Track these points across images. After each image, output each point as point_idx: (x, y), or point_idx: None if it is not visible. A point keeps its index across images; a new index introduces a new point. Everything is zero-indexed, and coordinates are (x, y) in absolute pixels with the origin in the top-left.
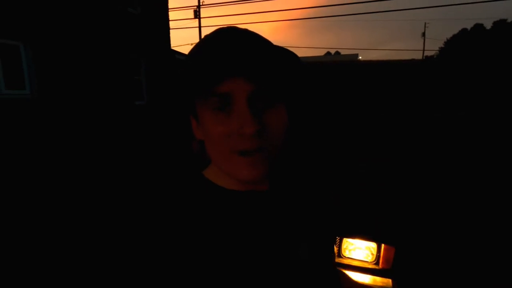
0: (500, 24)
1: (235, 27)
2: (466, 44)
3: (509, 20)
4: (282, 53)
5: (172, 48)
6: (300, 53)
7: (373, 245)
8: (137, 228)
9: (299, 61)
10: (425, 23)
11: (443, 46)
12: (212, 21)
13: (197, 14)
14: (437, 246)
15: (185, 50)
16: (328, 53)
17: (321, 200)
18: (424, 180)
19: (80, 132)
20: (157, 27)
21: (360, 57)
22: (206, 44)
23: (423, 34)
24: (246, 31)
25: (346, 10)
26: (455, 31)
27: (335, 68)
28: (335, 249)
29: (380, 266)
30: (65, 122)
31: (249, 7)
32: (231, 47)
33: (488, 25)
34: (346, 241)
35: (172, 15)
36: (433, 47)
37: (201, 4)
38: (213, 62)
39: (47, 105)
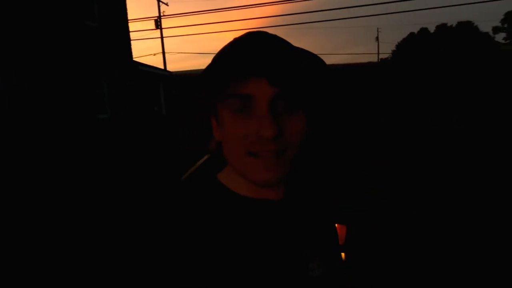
0: (442, 28)
1: (264, 31)
2: (414, 46)
3: (449, 24)
4: (309, 58)
5: (135, 59)
6: None
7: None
8: (143, 236)
9: (325, 67)
10: (377, 29)
11: (395, 49)
12: (175, 31)
13: (158, 25)
14: (381, 225)
15: (148, 60)
16: None
17: (331, 211)
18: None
19: (38, 143)
20: (117, 39)
21: None
22: (232, 46)
23: (377, 39)
24: (275, 36)
25: (307, 17)
26: (405, 35)
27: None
28: None
29: None
30: (26, 135)
31: (211, 16)
32: (256, 49)
33: (431, 29)
34: None
35: (132, 26)
36: (386, 50)
37: (162, 14)
38: (236, 62)
39: (8, 118)
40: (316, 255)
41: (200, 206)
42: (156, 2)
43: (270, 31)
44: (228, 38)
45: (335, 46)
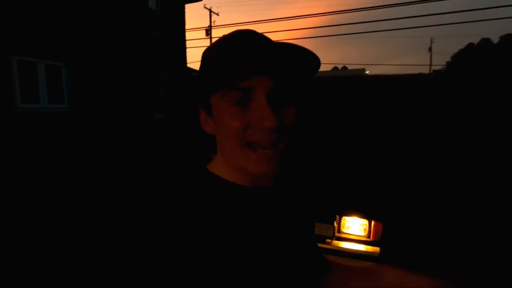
0: (508, 38)
1: (253, 30)
2: (473, 57)
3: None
4: (305, 54)
5: (188, 65)
6: None
7: (365, 222)
8: (145, 226)
9: (319, 64)
10: (431, 39)
11: (450, 60)
12: None
13: (208, 33)
14: (416, 223)
15: (198, 66)
16: (336, 68)
17: (310, 193)
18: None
19: (106, 140)
20: (175, 46)
21: (367, 72)
22: (230, 43)
23: (430, 49)
24: (263, 35)
25: (353, 28)
26: (461, 46)
27: (343, 82)
28: (336, 225)
29: (371, 238)
30: (94, 132)
31: (257, 27)
32: (257, 45)
33: (495, 39)
34: (344, 219)
35: (187, 35)
36: (439, 61)
37: (212, 25)
38: (241, 59)
39: (80, 117)
40: (303, 231)
41: (195, 195)
42: (208, 13)
43: (314, 39)
44: None
45: (383, 57)
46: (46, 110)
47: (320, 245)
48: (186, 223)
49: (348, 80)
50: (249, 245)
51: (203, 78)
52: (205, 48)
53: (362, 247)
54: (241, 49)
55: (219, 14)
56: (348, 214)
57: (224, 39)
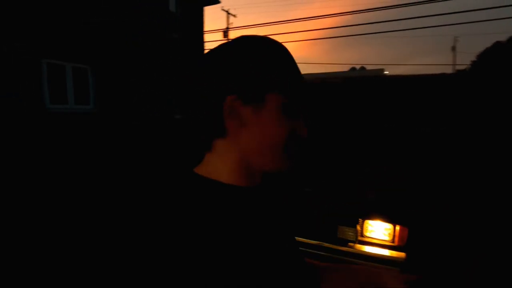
0: None
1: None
2: (501, 56)
3: None
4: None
5: None
6: (324, 69)
7: (389, 227)
8: (135, 232)
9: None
10: (454, 37)
11: (475, 59)
12: None
13: (226, 35)
14: (444, 229)
15: None
16: (353, 69)
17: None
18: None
19: (127, 140)
20: (194, 48)
21: (386, 72)
22: (282, 53)
23: (453, 48)
24: None
25: (371, 28)
26: (487, 44)
27: (360, 82)
28: (358, 229)
29: (396, 243)
30: (116, 132)
31: (273, 28)
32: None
33: None
34: (367, 223)
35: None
36: (464, 61)
37: (229, 27)
38: (297, 69)
39: (104, 118)
40: (290, 227)
41: (188, 200)
42: (226, 15)
43: (331, 39)
44: (289, 47)
45: (403, 57)
46: (73, 111)
47: (342, 248)
48: (179, 227)
49: (366, 81)
50: (251, 243)
51: (268, 73)
52: None
53: (386, 252)
54: (292, 62)
55: (236, 16)
56: (372, 217)
57: (280, 46)
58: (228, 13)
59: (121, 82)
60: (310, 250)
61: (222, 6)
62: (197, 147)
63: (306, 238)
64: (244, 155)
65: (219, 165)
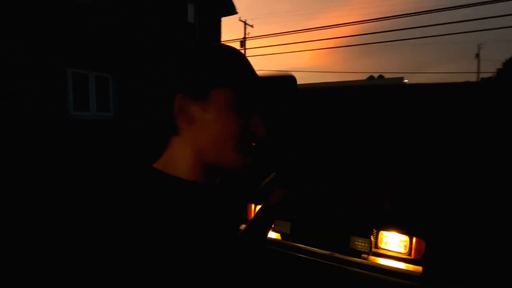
0: None
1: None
2: None
3: None
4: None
5: None
6: (341, 77)
7: (405, 239)
8: (88, 226)
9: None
10: (479, 45)
11: (501, 67)
12: (257, 51)
13: (243, 44)
14: (463, 242)
15: None
16: (371, 77)
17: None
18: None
19: (144, 146)
20: None
21: (406, 80)
22: (241, 58)
23: (477, 56)
24: None
25: (390, 36)
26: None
27: (378, 90)
28: (373, 240)
29: (413, 256)
30: (135, 139)
31: (290, 37)
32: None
33: None
34: (382, 234)
35: None
36: (488, 69)
37: (246, 37)
38: (257, 79)
39: (123, 125)
40: (240, 222)
41: (147, 192)
42: (243, 25)
43: (348, 48)
44: (305, 56)
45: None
46: (94, 118)
47: (355, 260)
48: (136, 222)
49: (384, 89)
50: (186, 238)
51: (212, 70)
52: None
53: (402, 265)
54: (251, 69)
55: (253, 26)
56: (387, 228)
57: (230, 48)
58: (245, 23)
59: (140, 90)
60: (320, 260)
61: (240, 17)
62: (156, 145)
63: (316, 248)
64: (197, 151)
65: (174, 161)
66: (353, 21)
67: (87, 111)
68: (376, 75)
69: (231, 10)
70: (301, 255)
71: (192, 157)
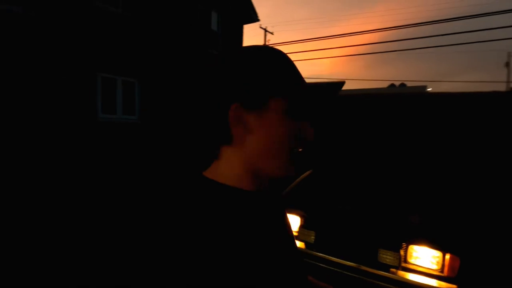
0: None
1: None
2: None
3: None
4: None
5: None
6: (361, 85)
7: (438, 254)
8: (146, 232)
9: None
10: (508, 53)
11: None
12: None
13: None
14: (502, 260)
15: None
16: (392, 85)
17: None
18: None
19: (169, 147)
20: None
21: (429, 89)
22: (288, 61)
23: (507, 64)
24: None
25: (413, 43)
26: None
27: (400, 100)
28: (402, 254)
29: (446, 273)
30: (160, 140)
31: (311, 44)
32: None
33: None
34: (412, 248)
35: None
36: None
37: (267, 44)
38: (308, 85)
39: (147, 128)
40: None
41: (199, 200)
42: (263, 32)
43: (369, 55)
44: (325, 63)
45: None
46: (120, 121)
47: (383, 274)
48: (183, 228)
49: (406, 98)
50: (258, 246)
51: (269, 79)
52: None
53: (433, 283)
54: (295, 69)
55: (273, 33)
56: (417, 242)
57: (280, 53)
58: (265, 30)
59: (164, 95)
60: (347, 273)
61: (261, 24)
62: (205, 155)
63: (343, 259)
64: (251, 160)
65: (227, 170)
66: (374, 28)
67: (114, 114)
68: (397, 84)
69: (253, 18)
70: (325, 266)
71: (244, 166)
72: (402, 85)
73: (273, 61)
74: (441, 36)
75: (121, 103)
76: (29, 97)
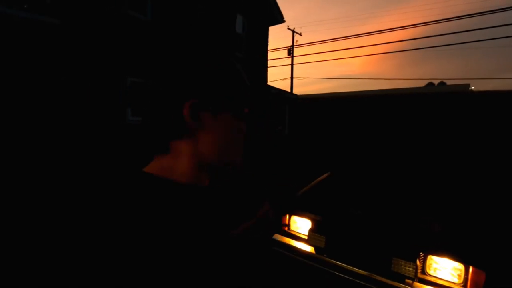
0: None
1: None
2: None
3: None
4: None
5: (268, 83)
6: (395, 85)
7: (460, 267)
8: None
9: None
10: None
11: None
12: (303, 59)
13: (290, 53)
14: None
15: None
16: (431, 84)
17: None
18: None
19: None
20: (258, 66)
21: (472, 87)
22: (237, 71)
23: None
24: None
25: (454, 38)
26: None
27: (439, 99)
28: (419, 264)
29: None
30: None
31: (338, 44)
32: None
33: None
34: (431, 259)
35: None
36: None
37: (294, 44)
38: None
39: None
40: (232, 224)
41: (138, 194)
42: (290, 33)
43: (405, 53)
44: (353, 63)
45: (494, 70)
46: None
47: (398, 285)
48: (119, 219)
49: (447, 97)
50: (189, 233)
51: (227, 87)
52: (284, 66)
53: None
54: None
55: (301, 34)
56: (437, 253)
57: (234, 66)
58: (293, 31)
59: None
60: (357, 281)
61: (288, 25)
62: (150, 149)
63: (353, 266)
64: (201, 155)
65: (173, 165)
66: (406, 24)
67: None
68: (436, 82)
69: (279, 19)
70: (335, 272)
71: (194, 160)
72: (442, 83)
73: (232, 70)
74: (487, 29)
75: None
76: (62, 102)
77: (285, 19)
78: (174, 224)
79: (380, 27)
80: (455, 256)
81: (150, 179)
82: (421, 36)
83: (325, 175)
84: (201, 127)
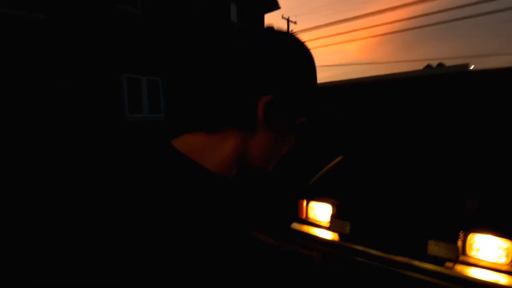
0: None
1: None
2: None
3: None
4: None
5: None
6: (393, 69)
7: (506, 245)
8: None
9: None
10: None
11: None
12: None
13: None
14: None
15: None
16: (429, 66)
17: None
18: None
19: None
20: None
21: (472, 66)
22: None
23: None
24: None
25: (447, 16)
26: None
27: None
28: (459, 245)
29: None
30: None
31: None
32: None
33: None
34: (472, 238)
35: None
36: None
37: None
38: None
39: (174, 125)
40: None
41: (177, 180)
42: (286, 22)
43: (401, 36)
44: (350, 49)
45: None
46: (147, 119)
47: (436, 268)
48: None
49: (445, 79)
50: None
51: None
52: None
53: (502, 279)
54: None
55: (296, 22)
56: (479, 230)
57: (313, 63)
58: (288, 20)
59: (186, 91)
60: (389, 267)
61: (282, 14)
62: (189, 122)
63: (382, 252)
64: (245, 152)
65: (209, 148)
66: (403, 3)
67: (140, 113)
68: (434, 63)
69: (273, 6)
70: (363, 259)
71: (236, 154)
72: (440, 65)
73: (312, 68)
74: (485, 3)
75: (147, 102)
76: (58, 100)
77: (279, 5)
78: (212, 219)
79: (377, 8)
80: (500, 232)
81: (185, 164)
82: (414, 16)
83: (338, 159)
84: (265, 127)
